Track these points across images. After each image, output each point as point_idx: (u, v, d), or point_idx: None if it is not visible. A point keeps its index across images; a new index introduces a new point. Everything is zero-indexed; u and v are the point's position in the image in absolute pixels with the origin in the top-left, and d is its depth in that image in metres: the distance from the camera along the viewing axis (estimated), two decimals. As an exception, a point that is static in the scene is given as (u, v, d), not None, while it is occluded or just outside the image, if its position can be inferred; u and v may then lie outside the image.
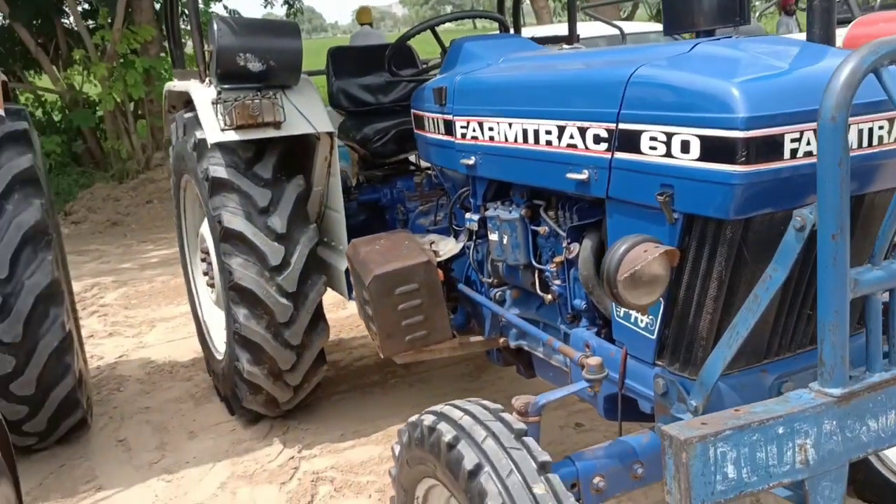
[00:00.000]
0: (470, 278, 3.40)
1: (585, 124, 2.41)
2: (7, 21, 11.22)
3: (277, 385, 3.99)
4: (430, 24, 3.89)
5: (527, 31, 5.77)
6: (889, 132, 2.02)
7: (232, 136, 3.72)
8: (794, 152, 1.94)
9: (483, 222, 3.15)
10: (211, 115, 3.74)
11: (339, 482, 3.67)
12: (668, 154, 2.11)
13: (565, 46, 4.05)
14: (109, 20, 10.68)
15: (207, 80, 3.97)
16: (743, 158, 1.92)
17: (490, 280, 3.22)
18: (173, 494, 3.71)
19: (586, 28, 10.53)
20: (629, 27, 10.37)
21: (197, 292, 4.91)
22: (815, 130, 1.94)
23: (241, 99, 3.66)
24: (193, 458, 4.05)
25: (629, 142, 2.24)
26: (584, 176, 2.42)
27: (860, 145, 2.01)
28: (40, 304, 3.74)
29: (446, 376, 4.81)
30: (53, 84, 11.56)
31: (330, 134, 3.89)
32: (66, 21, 11.84)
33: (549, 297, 2.83)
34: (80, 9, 11.44)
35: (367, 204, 4.53)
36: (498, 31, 4.59)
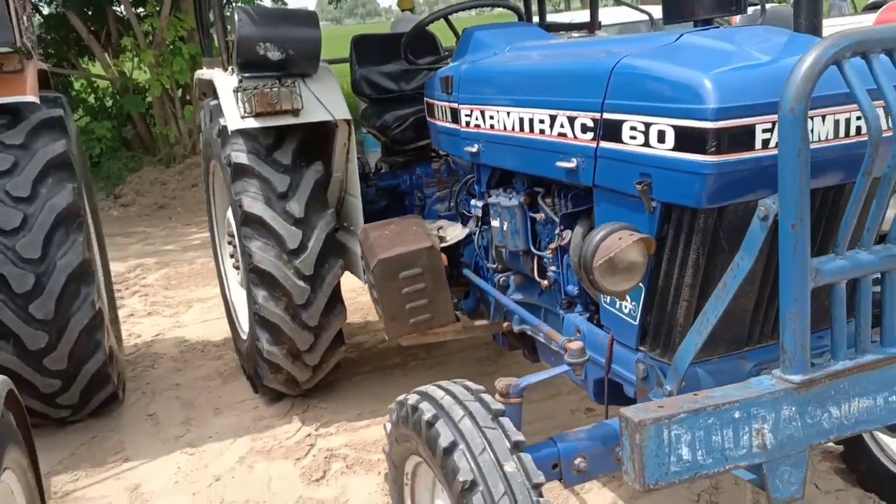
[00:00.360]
0: (477, 264, 3.47)
1: (574, 113, 2.46)
2: (61, 9, 11.56)
3: (296, 365, 4.12)
4: (445, 12, 3.95)
5: (555, 17, 5.78)
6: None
7: (252, 123, 3.84)
8: (766, 143, 1.97)
9: (487, 209, 3.22)
10: (232, 102, 3.87)
11: (352, 459, 3.79)
12: (647, 144, 2.15)
13: (574, 35, 4.06)
14: (158, 8, 10.94)
15: (230, 68, 4.09)
16: (713, 149, 1.95)
17: (495, 266, 3.29)
18: (194, 467, 3.88)
19: (623, 13, 10.42)
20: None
21: (225, 274, 5.08)
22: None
23: (260, 87, 3.77)
24: (216, 434, 4.21)
25: (612, 131, 2.28)
26: (572, 164, 2.48)
27: (836, 136, 2.02)
28: (72, 283, 3.92)
29: (465, 360, 4.89)
30: (104, 71, 11.89)
31: (347, 121, 3.99)
32: (117, 9, 12.15)
33: (546, 282, 2.89)
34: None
35: (387, 190, 4.62)
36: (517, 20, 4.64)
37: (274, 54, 3.82)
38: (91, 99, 12.28)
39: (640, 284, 2.30)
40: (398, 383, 4.66)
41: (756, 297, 2.20)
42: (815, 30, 2.21)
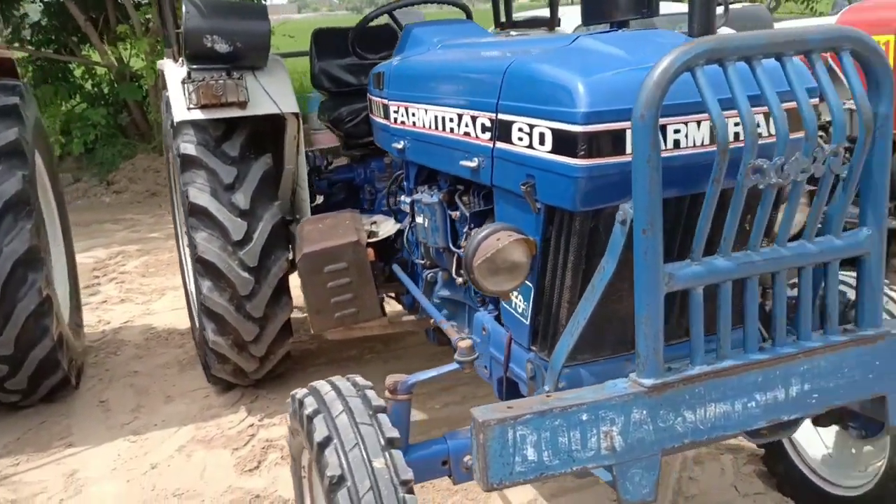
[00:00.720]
0: (408, 259, 3.49)
1: (475, 113, 2.47)
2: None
3: (242, 356, 4.15)
4: (388, 8, 3.96)
5: (521, 15, 5.77)
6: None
7: (198, 114, 3.87)
8: (641, 147, 1.97)
9: (413, 205, 3.23)
10: (180, 94, 3.90)
11: (289, 451, 3.82)
12: (531, 146, 2.16)
13: (513, 33, 4.07)
14: (154, -3, 11.00)
15: (180, 60, 4.12)
16: (583, 152, 1.96)
17: (423, 262, 3.31)
18: (134, 454, 3.93)
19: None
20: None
21: (186, 264, 5.12)
22: (662, 126, 1.98)
23: (206, 79, 3.80)
24: (162, 421, 4.26)
25: (505, 132, 2.30)
26: (475, 164, 2.49)
27: (713, 141, 2.02)
28: (18, 270, 3.97)
29: (421, 353, 4.91)
30: (101, 58, 11.96)
31: (296, 115, 4.01)
32: (115, -4, 12.21)
33: (460, 280, 2.91)
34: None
35: (344, 183, 4.65)
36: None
37: (222, 46, 3.85)
38: (88, 85, 12.35)
39: (530, 285, 2.31)
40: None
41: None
42: (708, 33, 2.20)
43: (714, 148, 2.00)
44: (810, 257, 1.93)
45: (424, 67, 3.01)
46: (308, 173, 4.51)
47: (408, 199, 3.29)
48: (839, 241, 1.96)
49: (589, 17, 2.78)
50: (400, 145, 3.13)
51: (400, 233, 3.49)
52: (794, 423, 2.03)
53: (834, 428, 2.72)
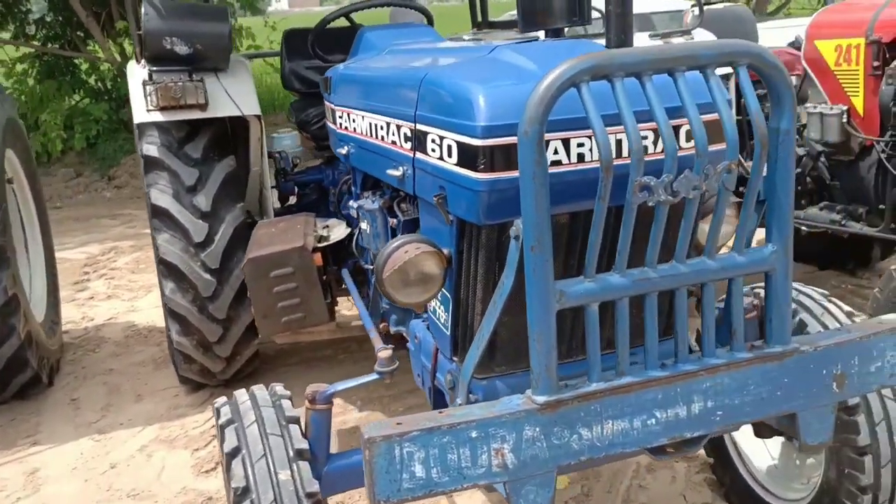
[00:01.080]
0: (359, 264, 3.49)
1: (399, 122, 2.47)
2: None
3: (208, 356, 4.18)
4: (345, 10, 3.95)
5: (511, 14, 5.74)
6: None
7: (157, 116, 3.89)
8: (537, 161, 1.95)
9: (358, 211, 3.23)
10: (140, 95, 3.92)
11: (247, 451, 3.84)
12: (441, 157, 2.15)
13: (465, 38, 4.03)
14: (153, -8, 11.03)
15: (143, 61, 4.14)
16: (482, 166, 1.95)
17: (370, 266, 3.31)
18: (97, 453, 3.96)
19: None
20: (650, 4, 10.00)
21: (159, 263, 5.15)
22: (562, 140, 1.97)
23: (164, 81, 3.81)
24: (128, 420, 4.29)
25: (422, 143, 2.29)
26: (399, 173, 2.49)
27: (618, 155, 2.00)
28: (-19, 270, 4.01)
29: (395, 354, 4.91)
30: (103, 53, 12.03)
31: (258, 117, 4.02)
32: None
33: None
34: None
35: (317, 184, 4.66)
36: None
37: (181, 48, 3.87)
38: (91, 80, 12.42)
39: (449, 296, 2.31)
40: (321, 377, 4.67)
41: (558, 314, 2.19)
42: (624, 45, 2.17)
43: (626, 160, 1.99)
44: (710, 274, 1.91)
45: (364, 74, 3.00)
46: (275, 174, 4.53)
47: (355, 205, 3.29)
48: (741, 258, 1.93)
49: (525, 25, 2.77)
50: (344, 151, 3.13)
51: (352, 237, 3.49)
52: (699, 440, 2.01)
53: (780, 438, 2.70)
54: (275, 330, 3.25)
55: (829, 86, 4.43)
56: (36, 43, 12.44)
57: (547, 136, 1.94)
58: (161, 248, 3.96)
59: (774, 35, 5.60)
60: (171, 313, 4.06)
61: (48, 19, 12.52)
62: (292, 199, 4.86)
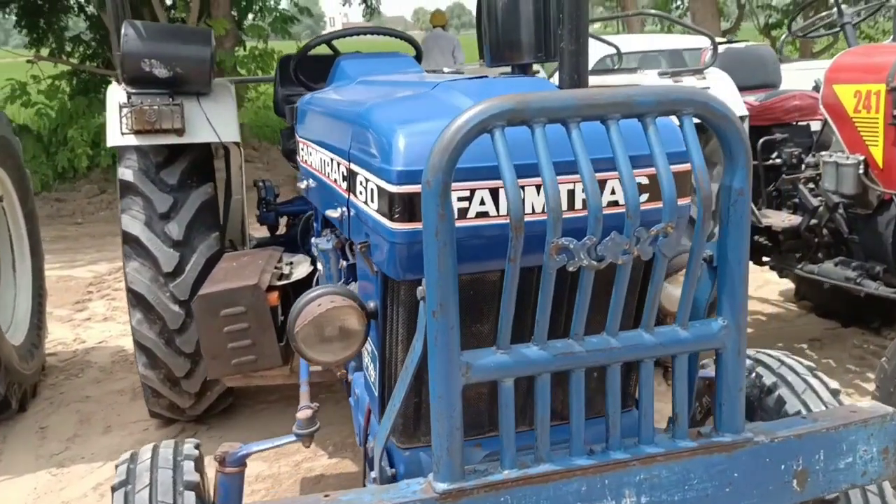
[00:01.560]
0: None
1: (339, 160, 2.27)
2: (97, 11, 11.84)
3: (175, 391, 4.01)
4: (327, 38, 3.79)
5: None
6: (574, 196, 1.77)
7: (131, 140, 3.76)
8: (462, 212, 1.74)
9: (316, 248, 3.04)
10: (116, 118, 3.79)
11: (204, 495, 3.64)
12: (367, 201, 1.95)
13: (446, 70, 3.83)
14: (184, 15, 11.12)
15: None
16: (397, 215, 1.74)
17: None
18: (51, 489, 3.79)
19: (642, 40, 10.03)
20: (643, 42, 9.75)
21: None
22: (489, 189, 1.75)
23: (139, 104, 3.68)
24: (91, 455, 4.12)
25: (353, 183, 2.09)
26: (338, 214, 2.29)
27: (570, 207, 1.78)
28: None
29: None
30: (135, 72, 12.12)
31: (238, 144, 3.87)
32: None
33: None
34: (167, 1, 11.93)
35: (303, 216, 4.50)
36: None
37: (161, 71, 3.74)
38: (123, 98, 12.54)
39: (377, 354, 2.09)
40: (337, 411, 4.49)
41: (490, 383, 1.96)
42: (577, 86, 1.95)
43: (571, 214, 1.77)
44: (646, 350, 1.66)
45: (320, 106, 2.82)
46: (257, 203, 4.37)
47: (315, 242, 3.09)
48: (685, 333, 1.68)
49: (492, 60, 2.57)
50: (304, 185, 2.95)
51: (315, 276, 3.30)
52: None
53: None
54: (224, 372, 3.06)
55: (847, 133, 4.14)
56: (74, 61, 12.60)
57: (472, 184, 1.74)
58: (129, 276, 3.81)
59: (799, 77, 5.31)
60: (138, 345, 3.90)
61: (85, 38, 12.69)
62: (282, 229, 4.70)
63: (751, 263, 2.15)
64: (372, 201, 1.89)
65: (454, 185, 1.71)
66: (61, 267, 8.14)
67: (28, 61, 11.59)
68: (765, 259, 4.97)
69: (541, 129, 1.51)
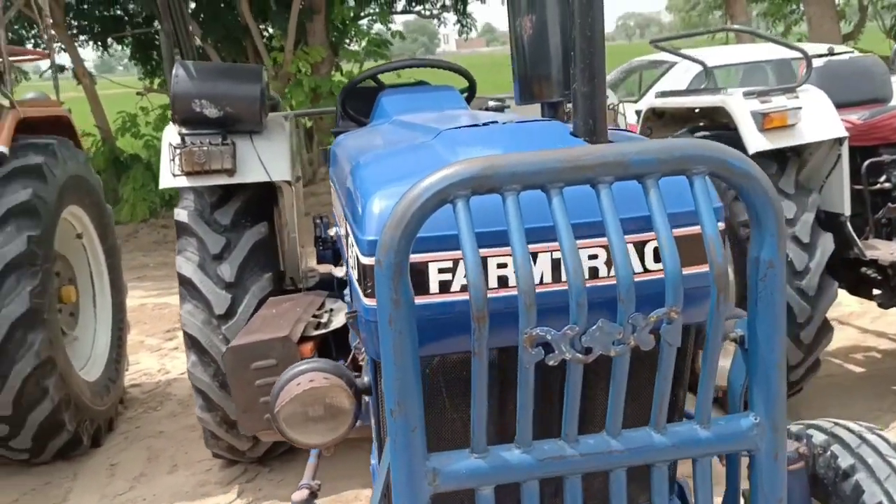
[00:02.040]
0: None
1: (343, 214, 2.08)
2: (200, 44, 12.21)
3: (232, 434, 3.92)
4: (374, 71, 3.63)
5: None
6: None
7: (183, 181, 3.72)
8: (444, 286, 1.51)
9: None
10: (167, 159, 3.76)
11: (253, 545, 3.53)
12: (353, 268, 1.75)
13: (491, 105, 3.58)
14: (281, 44, 11.31)
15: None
16: (369, 290, 1.53)
17: (369, 360, 2.92)
18: (108, 532, 3.77)
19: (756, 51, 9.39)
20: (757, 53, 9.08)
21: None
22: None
23: (189, 145, 3.64)
24: (153, 496, 4.09)
25: (348, 245, 1.90)
26: (343, 273, 2.10)
27: (540, 281, 1.53)
28: (16, 332, 3.94)
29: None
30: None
31: (289, 182, 3.77)
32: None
33: None
34: (265, 32, 12.20)
35: None
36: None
37: (211, 111, 3.68)
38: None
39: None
40: (363, 460, 4.33)
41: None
42: (593, 135, 1.68)
43: (553, 287, 1.52)
44: (656, 452, 1.38)
45: (344, 151, 2.65)
46: (314, 240, 4.26)
47: (346, 292, 2.92)
48: (705, 433, 1.39)
49: (521, 98, 2.34)
50: (332, 232, 2.78)
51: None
52: None
53: None
54: (256, 427, 2.91)
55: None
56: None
57: (455, 254, 1.51)
58: (183, 318, 3.76)
59: (915, 92, 4.78)
60: (194, 388, 3.85)
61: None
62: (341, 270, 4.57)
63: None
64: (354, 269, 1.69)
65: (436, 255, 1.50)
66: (159, 294, 8.33)
67: (138, 93, 12.07)
68: (875, 292, 4.49)
69: (513, 198, 1.27)
